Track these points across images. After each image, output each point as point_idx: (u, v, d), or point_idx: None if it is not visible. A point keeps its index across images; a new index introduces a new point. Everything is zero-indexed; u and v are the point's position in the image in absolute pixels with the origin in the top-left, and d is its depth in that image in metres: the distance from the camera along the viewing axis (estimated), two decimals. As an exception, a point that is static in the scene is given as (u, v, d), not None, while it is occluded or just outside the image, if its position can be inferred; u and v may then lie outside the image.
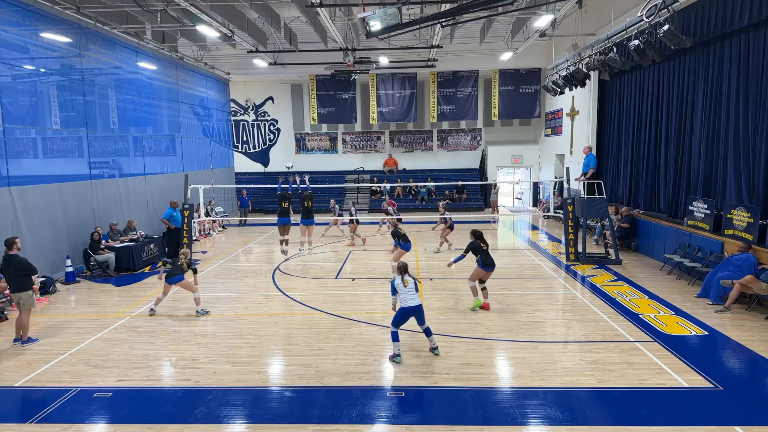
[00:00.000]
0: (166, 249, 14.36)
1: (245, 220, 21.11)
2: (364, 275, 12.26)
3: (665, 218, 13.47)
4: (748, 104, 10.51)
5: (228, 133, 25.30)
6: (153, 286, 11.64)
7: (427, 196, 24.19)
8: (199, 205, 15.76)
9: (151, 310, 9.59)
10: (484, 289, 9.45)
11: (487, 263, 9.26)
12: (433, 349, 7.39)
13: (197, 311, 9.47)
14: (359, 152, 26.19)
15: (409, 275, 7.31)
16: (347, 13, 16.07)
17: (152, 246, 14.15)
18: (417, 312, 7.21)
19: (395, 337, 7.23)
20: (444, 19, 11.96)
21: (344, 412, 5.85)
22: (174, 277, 9.41)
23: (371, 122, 24.71)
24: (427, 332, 7.40)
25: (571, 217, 13.31)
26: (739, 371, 6.98)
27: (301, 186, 14.02)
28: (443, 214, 14.93)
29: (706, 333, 8.13)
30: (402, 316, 7.22)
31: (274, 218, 21.99)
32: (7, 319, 9.35)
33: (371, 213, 23.70)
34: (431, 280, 11.67)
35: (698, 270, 10.67)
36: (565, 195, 14.39)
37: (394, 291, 7.30)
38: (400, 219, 16.43)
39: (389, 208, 17.88)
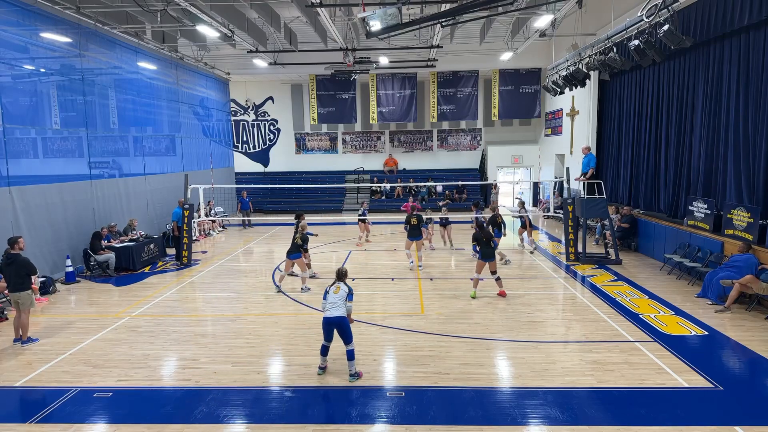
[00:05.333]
0: (175, 249, 14.35)
1: (249, 221, 20.95)
2: (364, 275, 12.26)
3: (665, 218, 13.47)
4: (748, 104, 10.51)
5: (228, 133, 25.30)
6: (153, 286, 11.65)
7: (427, 196, 24.19)
8: (199, 205, 15.74)
9: (277, 287, 10.82)
10: (498, 279, 10.24)
11: (485, 254, 10.14)
12: (352, 375, 6.67)
13: (301, 288, 10.81)
14: (359, 152, 26.19)
15: (344, 283, 6.81)
16: (347, 13, 16.07)
17: (152, 246, 14.14)
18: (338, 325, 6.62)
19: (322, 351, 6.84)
20: (444, 19, 11.95)
21: (344, 412, 5.85)
22: (293, 254, 10.58)
23: (371, 122, 24.71)
24: (349, 355, 6.67)
25: (571, 217, 13.31)
26: (739, 371, 6.98)
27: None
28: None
29: (706, 333, 8.13)
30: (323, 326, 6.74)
31: (274, 218, 22.10)
32: (7, 319, 9.34)
33: (371, 213, 23.67)
34: (431, 280, 11.68)
35: (698, 270, 10.66)
36: (565, 195, 14.38)
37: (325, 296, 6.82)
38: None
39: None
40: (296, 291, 10.89)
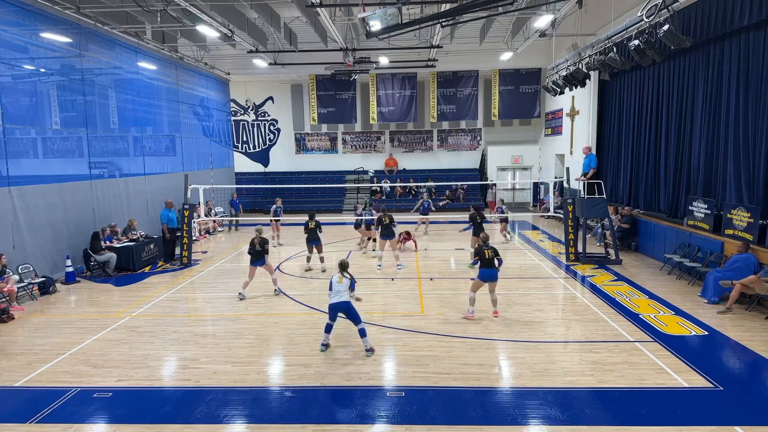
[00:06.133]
0: (165, 251, 14.33)
1: (237, 221, 20.89)
2: (364, 275, 12.25)
3: (665, 218, 13.47)
4: (748, 104, 10.51)
5: (228, 133, 25.29)
6: (153, 286, 11.65)
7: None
8: (198, 204, 15.72)
9: (240, 294, 10.51)
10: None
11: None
12: (367, 351, 7.44)
13: (275, 290, 10.70)
14: (359, 152, 26.18)
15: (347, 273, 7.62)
16: (347, 13, 16.06)
17: (152, 246, 14.14)
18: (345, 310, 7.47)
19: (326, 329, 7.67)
20: (444, 19, 11.94)
21: (344, 412, 5.85)
22: (258, 260, 10.44)
23: (371, 122, 24.71)
24: (361, 333, 7.49)
25: (571, 217, 13.31)
26: (739, 371, 6.98)
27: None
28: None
29: (706, 333, 8.13)
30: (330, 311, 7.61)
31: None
32: (13, 318, 9.32)
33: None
34: (431, 280, 11.68)
35: (698, 270, 10.66)
36: (565, 195, 14.38)
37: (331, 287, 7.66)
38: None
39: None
40: (296, 291, 10.89)
